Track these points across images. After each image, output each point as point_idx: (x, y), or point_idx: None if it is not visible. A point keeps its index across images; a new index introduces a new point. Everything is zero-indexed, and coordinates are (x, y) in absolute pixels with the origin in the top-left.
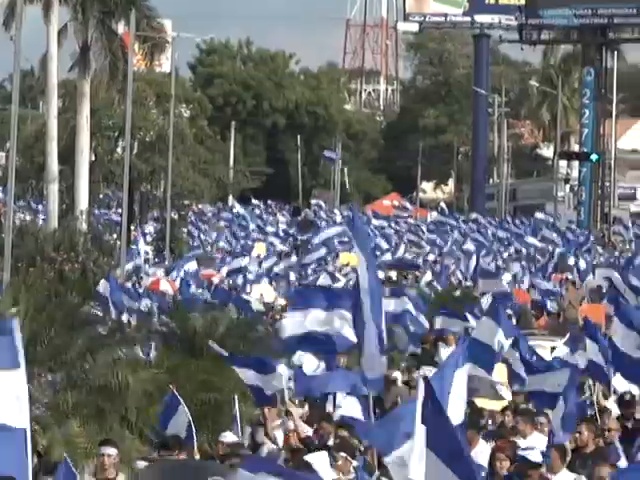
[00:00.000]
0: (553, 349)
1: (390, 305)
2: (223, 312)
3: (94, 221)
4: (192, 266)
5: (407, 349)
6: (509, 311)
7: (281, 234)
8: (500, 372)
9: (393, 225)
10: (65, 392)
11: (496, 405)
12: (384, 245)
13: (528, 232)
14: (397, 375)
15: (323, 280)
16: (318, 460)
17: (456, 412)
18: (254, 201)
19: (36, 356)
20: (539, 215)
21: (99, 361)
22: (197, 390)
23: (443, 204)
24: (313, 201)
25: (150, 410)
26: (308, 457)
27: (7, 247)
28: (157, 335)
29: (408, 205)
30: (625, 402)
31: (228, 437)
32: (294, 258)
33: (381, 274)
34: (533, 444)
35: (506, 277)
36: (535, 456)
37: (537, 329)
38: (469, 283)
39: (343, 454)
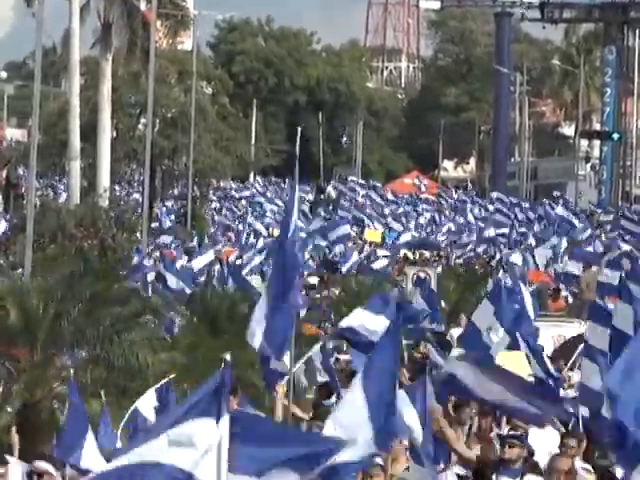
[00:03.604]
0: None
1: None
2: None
3: (115, 198)
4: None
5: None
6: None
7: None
8: (522, 362)
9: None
10: (87, 370)
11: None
12: (396, 226)
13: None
14: None
15: (354, 258)
16: None
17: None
18: (274, 179)
19: (60, 333)
20: (558, 195)
21: (121, 341)
22: (217, 368)
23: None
24: (351, 178)
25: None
26: None
27: (29, 223)
28: (180, 314)
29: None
30: None
31: None
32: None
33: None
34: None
35: (516, 257)
36: None
37: (554, 311)
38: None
39: None
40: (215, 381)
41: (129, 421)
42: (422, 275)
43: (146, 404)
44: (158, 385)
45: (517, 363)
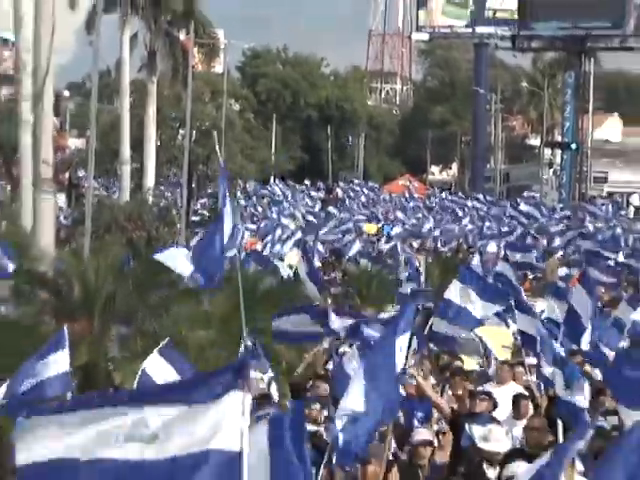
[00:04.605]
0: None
1: None
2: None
3: (159, 196)
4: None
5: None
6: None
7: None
8: (504, 336)
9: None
10: (136, 341)
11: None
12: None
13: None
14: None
15: (357, 247)
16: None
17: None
18: (289, 182)
19: (113, 311)
20: (527, 194)
21: (166, 317)
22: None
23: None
24: (356, 181)
25: (205, 358)
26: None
27: (87, 217)
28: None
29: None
30: None
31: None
32: (324, 230)
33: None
34: (507, 392)
35: (492, 247)
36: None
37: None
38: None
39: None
40: (238, 360)
41: (138, 382)
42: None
43: (152, 365)
44: (160, 346)
45: (496, 336)
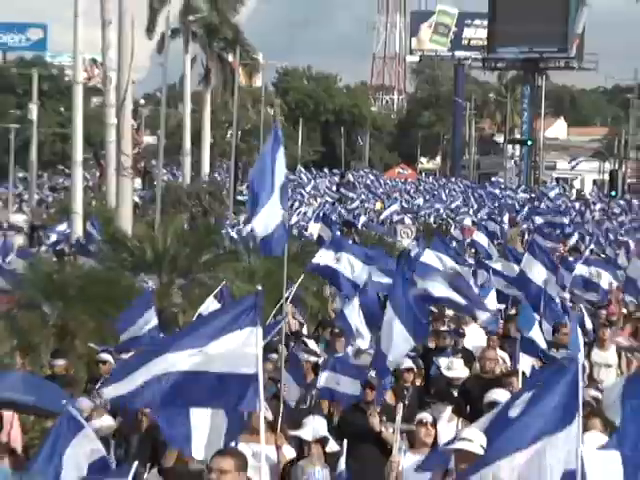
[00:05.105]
0: None
1: None
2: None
3: (213, 180)
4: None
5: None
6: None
7: (328, 198)
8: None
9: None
10: (194, 291)
11: None
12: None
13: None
14: None
15: (363, 219)
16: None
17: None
18: (312, 170)
19: (176, 268)
20: (494, 179)
21: (216, 272)
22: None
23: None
24: (365, 170)
25: None
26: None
27: (158, 197)
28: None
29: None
30: None
31: None
32: (338, 209)
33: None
34: (469, 332)
35: (467, 221)
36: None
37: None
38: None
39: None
40: (251, 299)
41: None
42: (409, 232)
43: (207, 309)
44: (216, 291)
45: None
